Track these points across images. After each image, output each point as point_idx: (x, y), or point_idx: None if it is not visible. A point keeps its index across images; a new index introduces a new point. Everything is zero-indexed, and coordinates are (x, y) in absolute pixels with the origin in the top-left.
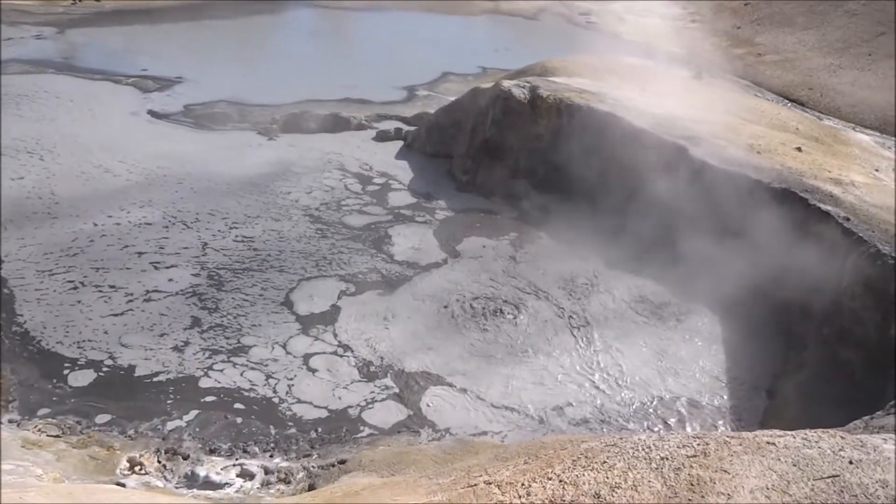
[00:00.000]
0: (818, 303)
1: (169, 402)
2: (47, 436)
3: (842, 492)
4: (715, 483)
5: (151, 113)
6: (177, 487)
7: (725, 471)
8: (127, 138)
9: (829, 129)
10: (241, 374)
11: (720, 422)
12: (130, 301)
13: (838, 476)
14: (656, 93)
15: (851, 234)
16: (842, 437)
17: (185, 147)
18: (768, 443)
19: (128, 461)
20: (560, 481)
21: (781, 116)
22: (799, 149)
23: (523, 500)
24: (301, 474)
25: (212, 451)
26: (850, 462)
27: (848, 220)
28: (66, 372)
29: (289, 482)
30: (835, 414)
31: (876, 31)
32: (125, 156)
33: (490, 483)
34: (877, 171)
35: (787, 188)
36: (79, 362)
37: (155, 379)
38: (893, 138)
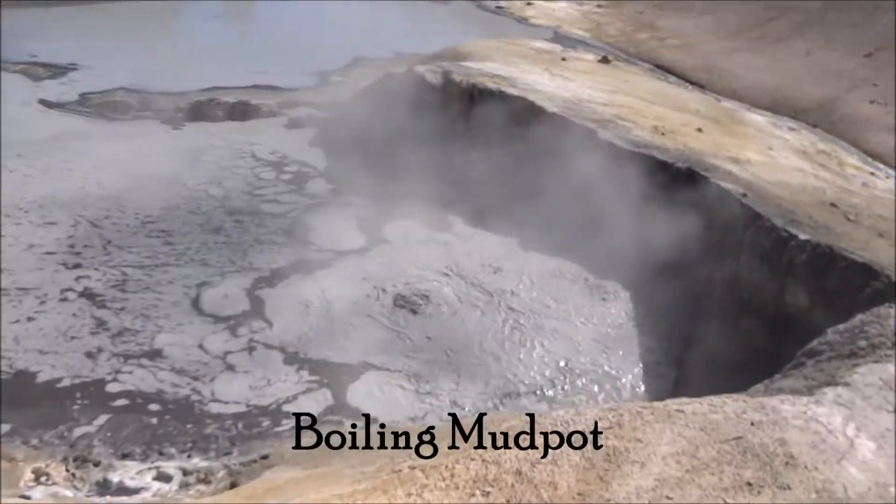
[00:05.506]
0: (720, 276)
1: (76, 408)
2: None
3: (745, 452)
4: (630, 452)
5: (44, 102)
6: (88, 496)
7: (639, 440)
8: (19, 130)
9: (726, 110)
10: (156, 375)
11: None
12: (43, 303)
13: (742, 437)
14: (565, 76)
15: (748, 210)
16: (744, 401)
17: (84, 139)
18: (677, 410)
19: (32, 472)
20: (483, 461)
21: (683, 99)
22: (700, 129)
23: (447, 482)
24: (222, 473)
25: (125, 456)
26: (752, 424)
27: (745, 196)
28: None
29: (209, 482)
30: (738, 379)
31: (766, 16)
32: (20, 149)
33: (414, 468)
34: (770, 149)
35: (690, 167)
36: None
37: (59, 385)
38: (785, 118)
